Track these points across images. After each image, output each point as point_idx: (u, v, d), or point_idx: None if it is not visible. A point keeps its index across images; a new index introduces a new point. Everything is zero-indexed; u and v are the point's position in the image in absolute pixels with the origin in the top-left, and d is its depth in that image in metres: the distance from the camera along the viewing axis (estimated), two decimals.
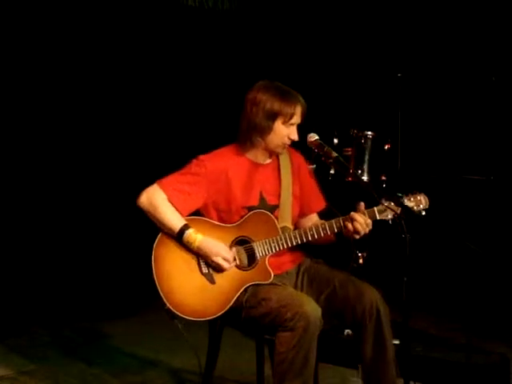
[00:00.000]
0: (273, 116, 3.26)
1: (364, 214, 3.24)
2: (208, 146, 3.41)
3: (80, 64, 5.58)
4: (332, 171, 4.36)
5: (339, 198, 3.63)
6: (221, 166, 3.33)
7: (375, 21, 5.99)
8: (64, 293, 5.40)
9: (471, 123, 5.40)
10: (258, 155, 3.38)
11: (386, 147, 4.58)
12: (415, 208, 3.23)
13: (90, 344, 4.76)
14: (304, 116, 3.32)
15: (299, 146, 3.47)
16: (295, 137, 3.31)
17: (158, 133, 6.00)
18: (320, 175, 4.70)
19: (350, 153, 4.52)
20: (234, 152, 3.38)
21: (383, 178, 4.53)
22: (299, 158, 3.51)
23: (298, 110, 3.29)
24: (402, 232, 3.06)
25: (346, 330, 4.33)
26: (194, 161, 3.33)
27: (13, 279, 5.27)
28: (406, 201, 3.22)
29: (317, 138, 3.33)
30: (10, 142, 5.34)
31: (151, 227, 3.30)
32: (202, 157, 3.34)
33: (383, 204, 3.20)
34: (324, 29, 6.25)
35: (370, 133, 4.51)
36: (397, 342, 3.34)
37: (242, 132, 3.35)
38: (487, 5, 5.47)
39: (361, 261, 4.46)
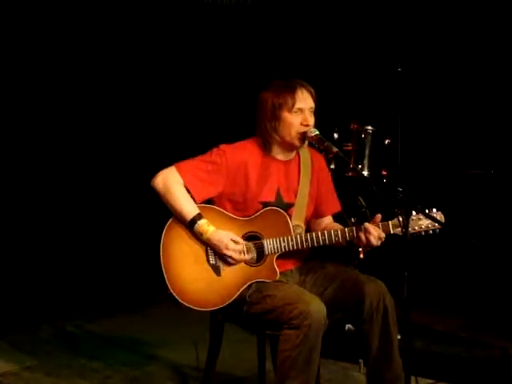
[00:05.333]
0: (277, 109, 3.27)
1: (378, 226, 3.24)
2: (220, 138, 3.39)
3: (86, 61, 5.59)
4: (332, 166, 4.35)
5: (339, 193, 3.62)
6: (241, 158, 3.31)
7: (375, 15, 5.98)
8: (66, 289, 5.41)
9: (471, 118, 5.39)
10: (278, 152, 3.36)
11: (387, 142, 4.58)
12: (430, 226, 3.23)
13: (91, 339, 4.77)
14: (314, 99, 3.31)
15: None
16: (308, 121, 3.28)
17: (165, 128, 6.01)
18: None
19: (350, 148, 4.52)
20: (255, 146, 3.36)
21: (384, 172, 4.53)
22: (320, 160, 3.50)
23: (299, 95, 3.28)
24: (402, 227, 3.07)
25: (347, 325, 4.34)
26: (215, 149, 3.31)
27: (15, 276, 5.28)
28: (423, 219, 3.21)
29: (317, 133, 3.32)
30: (10, 141, 5.35)
31: (152, 225, 3.30)
32: (223, 146, 3.32)
33: (399, 219, 3.17)
34: (325, 24, 6.24)
35: (370, 128, 4.50)
36: (398, 336, 3.34)
37: (258, 133, 3.36)
38: (487, 0, 5.46)
39: (361, 256, 4.45)
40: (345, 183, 4.24)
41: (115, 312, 5.25)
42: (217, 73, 6.13)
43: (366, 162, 4.49)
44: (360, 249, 4.51)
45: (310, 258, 3.47)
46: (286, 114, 3.27)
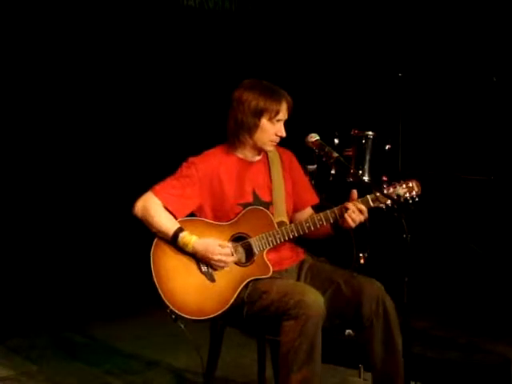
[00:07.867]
0: (259, 113, 3.27)
1: (357, 201, 3.25)
2: (199, 148, 3.42)
3: (79, 64, 5.59)
4: (333, 171, 4.36)
5: (340, 198, 3.62)
6: (212, 166, 3.34)
7: (375, 21, 5.99)
8: (64, 294, 5.40)
9: (472, 123, 5.40)
10: (246, 153, 3.39)
11: (387, 147, 4.58)
12: (407, 195, 3.23)
13: (90, 345, 4.76)
14: (290, 112, 3.32)
15: (299, 146, 3.48)
16: (282, 133, 3.32)
17: (158, 133, 6.01)
18: (321, 176, 4.70)
19: (350, 153, 4.53)
20: (223, 152, 3.39)
21: (384, 178, 4.53)
22: (289, 155, 3.52)
23: (284, 107, 3.29)
24: (402, 232, 3.07)
25: (347, 330, 4.33)
26: (185, 163, 3.35)
27: (13, 281, 5.27)
28: (398, 188, 3.22)
29: (317, 138, 3.33)
30: (10, 143, 5.35)
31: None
32: (192, 159, 3.36)
33: (375, 193, 3.21)
34: (324, 29, 6.26)
35: (370, 133, 4.51)
36: None
37: (230, 131, 3.37)
38: (487, 5, 5.47)
39: (362, 261, 4.45)
40: (345, 188, 4.24)
41: (115, 317, 5.23)
42: (198, 85, 6.13)
43: (366, 167, 4.49)
44: (360, 254, 4.52)
45: (306, 259, 3.46)
46: (265, 121, 3.29)
